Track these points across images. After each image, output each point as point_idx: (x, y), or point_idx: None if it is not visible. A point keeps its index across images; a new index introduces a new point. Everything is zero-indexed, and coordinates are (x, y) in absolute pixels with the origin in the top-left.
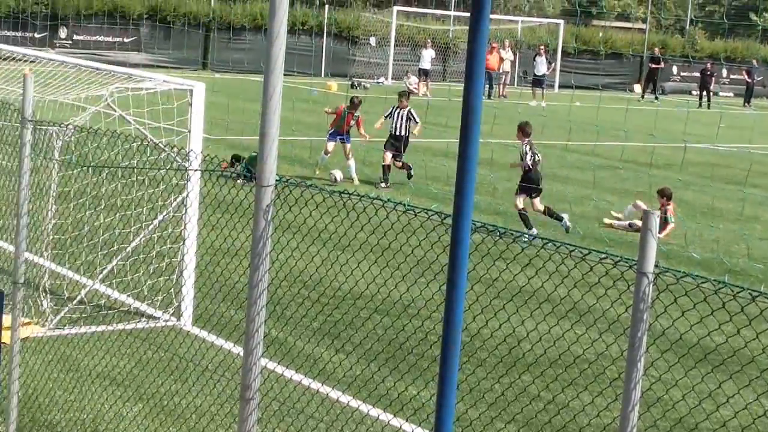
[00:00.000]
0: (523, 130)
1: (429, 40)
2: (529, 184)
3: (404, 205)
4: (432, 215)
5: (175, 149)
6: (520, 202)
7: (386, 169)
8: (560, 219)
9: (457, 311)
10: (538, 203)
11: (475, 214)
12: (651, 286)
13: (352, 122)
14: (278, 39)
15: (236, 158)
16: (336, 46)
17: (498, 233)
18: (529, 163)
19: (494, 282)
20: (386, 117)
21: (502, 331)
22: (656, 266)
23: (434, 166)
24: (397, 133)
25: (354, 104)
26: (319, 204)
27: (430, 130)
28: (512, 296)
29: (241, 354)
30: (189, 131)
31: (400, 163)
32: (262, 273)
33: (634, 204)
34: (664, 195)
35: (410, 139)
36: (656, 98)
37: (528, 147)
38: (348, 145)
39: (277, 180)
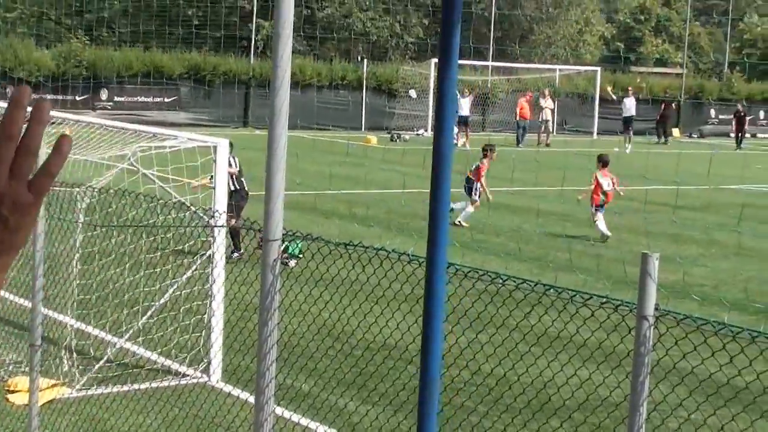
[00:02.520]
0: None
1: (466, 89)
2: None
3: (408, 255)
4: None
5: (200, 208)
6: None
7: None
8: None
9: (435, 350)
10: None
11: (509, 261)
12: (651, 329)
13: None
14: (282, 90)
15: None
16: (375, 100)
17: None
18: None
19: (520, 327)
20: None
21: (529, 375)
22: (657, 309)
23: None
24: None
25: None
26: (342, 255)
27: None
28: (538, 339)
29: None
30: (213, 188)
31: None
32: (271, 327)
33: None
34: (602, 161)
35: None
36: (663, 140)
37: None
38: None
39: (284, 233)
